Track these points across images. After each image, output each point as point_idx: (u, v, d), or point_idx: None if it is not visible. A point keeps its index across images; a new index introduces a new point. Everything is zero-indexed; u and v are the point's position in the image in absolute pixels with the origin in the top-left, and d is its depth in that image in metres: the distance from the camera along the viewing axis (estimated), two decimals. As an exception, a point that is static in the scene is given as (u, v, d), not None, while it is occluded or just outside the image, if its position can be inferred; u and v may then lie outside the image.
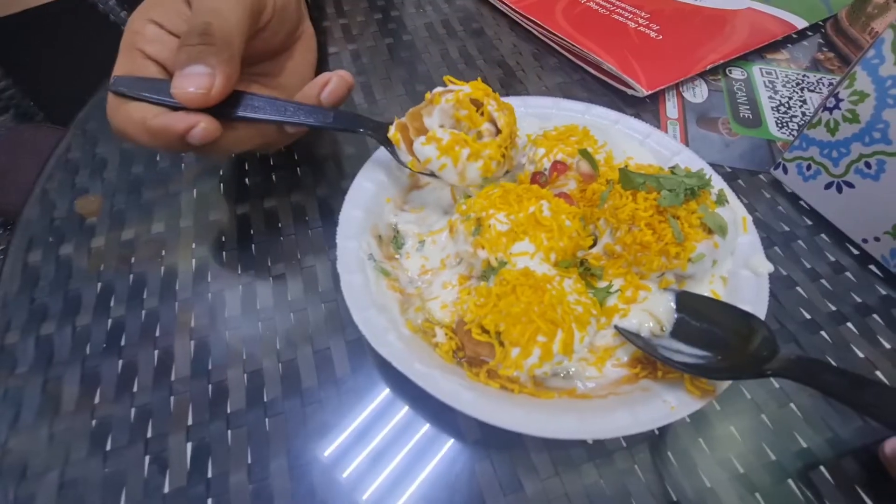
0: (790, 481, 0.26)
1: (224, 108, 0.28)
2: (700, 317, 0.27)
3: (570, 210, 0.29)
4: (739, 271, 0.29)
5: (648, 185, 0.27)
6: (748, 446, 0.27)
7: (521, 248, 0.27)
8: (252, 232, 0.37)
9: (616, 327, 0.27)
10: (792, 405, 0.29)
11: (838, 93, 0.32)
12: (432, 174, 0.31)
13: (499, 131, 0.30)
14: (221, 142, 0.29)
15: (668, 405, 0.23)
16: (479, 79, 0.32)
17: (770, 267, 0.29)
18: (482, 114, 0.30)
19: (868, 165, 0.31)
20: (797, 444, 0.27)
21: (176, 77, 0.26)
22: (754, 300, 0.28)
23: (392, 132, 0.31)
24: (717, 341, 0.25)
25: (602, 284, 0.28)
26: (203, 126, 0.26)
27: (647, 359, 0.26)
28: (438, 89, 0.32)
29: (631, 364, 0.26)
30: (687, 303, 0.27)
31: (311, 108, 0.31)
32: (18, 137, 1.01)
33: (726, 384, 0.24)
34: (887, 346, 0.31)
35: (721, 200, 0.28)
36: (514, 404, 0.24)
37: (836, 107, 0.32)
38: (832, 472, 0.26)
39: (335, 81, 0.31)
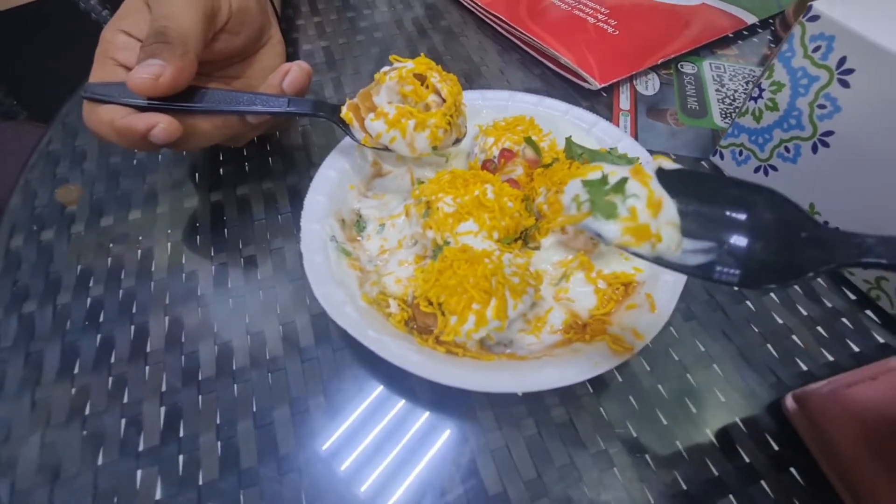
0: (707, 430, 0.29)
1: (185, 104, 0.31)
2: (704, 200, 0.21)
3: (513, 192, 0.31)
4: None
5: (584, 157, 0.29)
6: (673, 402, 0.30)
7: (466, 227, 0.30)
8: (225, 217, 0.39)
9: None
10: (714, 366, 0.32)
11: (761, 83, 0.35)
12: (386, 148, 0.33)
13: (444, 101, 0.32)
14: (188, 138, 0.31)
15: (593, 362, 0.26)
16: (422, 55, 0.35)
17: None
18: (427, 87, 0.32)
19: (787, 150, 0.34)
20: (717, 399, 0.30)
21: (132, 71, 0.28)
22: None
23: (344, 112, 0.34)
24: (738, 229, 0.20)
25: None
26: (162, 126, 0.29)
27: (578, 325, 0.29)
28: (385, 68, 0.34)
29: (564, 330, 0.29)
30: (677, 184, 0.21)
31: (268, 96, 0.33)
32: (1, 135, 1.02)
33: (643, 344, 0.27)
34: (804, 313, 0.34)
35: None
36: (456, 365, 0.26)
37: (760, 96, 0.35)
38: (745, 423, 0.29)
39: (295, 70, 0.33)
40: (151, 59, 0.28)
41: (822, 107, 0.31)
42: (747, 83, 0.51)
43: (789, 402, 0.28)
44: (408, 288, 0.30)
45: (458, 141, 0.35)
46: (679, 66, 0.53)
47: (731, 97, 0.50)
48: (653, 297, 0.28)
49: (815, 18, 0.30)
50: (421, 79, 0.32)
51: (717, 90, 0.51)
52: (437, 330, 0.27)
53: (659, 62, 0.51)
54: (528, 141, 0.33)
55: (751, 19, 0.56)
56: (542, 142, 0.34)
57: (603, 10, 0.56)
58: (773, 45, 0.55)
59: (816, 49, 0.30)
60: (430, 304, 0.27)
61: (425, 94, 0.32)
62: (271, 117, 0.34)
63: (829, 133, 0.31)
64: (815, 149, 0.32)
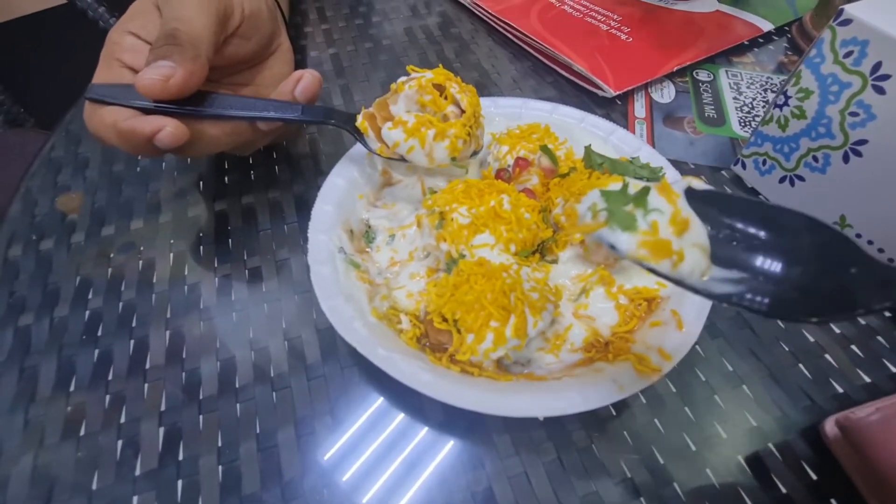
0: (740, 458, 0.27)
1: (195, 108, 0.29)
2: (739, 225, 0.19)
3: (530, 203, 0.30)
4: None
5: (605, 167, 0.28)
6: (701, 426, 0.28)
7: (482, 240, 0.28)
8: (229, 227, 0.38)
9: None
10: (744, 387, 0.30)
11: (787, 90, 0.33)
12: (402, 158, 0.32)
13: (463, 112, 0.31)
14: (194, 143, 0.30)
15: (618, 385, 0.25)
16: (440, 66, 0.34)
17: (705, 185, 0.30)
18: (445, 97, 0.31)
19: (815, 159, 0.33)
20: (748, 423, 0.29)
21: (140, 72, 0.27)
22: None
23: (360, 121, 0.33)
24: (776, 257, 0.19)
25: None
26: (169, 130, 0.27)
27: (599, 343, 0.27)
28: (402, 78, 0.33)
29: (585, 348, 0.28)
30: (709, 207, 0.20)
31: (280, 103, 0.32)
32: (5, 142, 1.02)
33: (671, 365, 0.25)
34: (837, 331, 0.32)
35: None
36: (470, 386, 0.25)
37: (786, 104, 0.34)
38: (780, 449, 0.28)
39: (307, 78, 0.32)
40: (161, 61, 0.27)
41: (854, 114, 0.30)
42: (765, 91, 0.50)
43: (829, 427, 0.26)
44: (420, 303, 0.28)
45: (475, 153, 0.34)
46: (695, 73, 0.52)
47: (749, 105, 0.49)
48: (679, 315, 0.26)
49: (846, 23, 0.29)
50: (439, 89, 0.31)
51: (734, 98, 0.50)
52: (452, 348, 0.25)
53: (674, 70, 0.49)
54: (544, 149, 0.32)
55: (766, 26, 0.55)
56: (558, 150, 0.33)
57: (615, 17, 0.55)
58: (789, 52, 0.54)
59: (848, 54, 0.29)
60: (445, 320, 0.25)
61: (444, 104, 0.31)
62: (282, 125, 0.33)
63: (863, 142, 0.30)
64: (846, 158, 0.31)
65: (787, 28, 0.56)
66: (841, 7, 0.29)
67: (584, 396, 0.23)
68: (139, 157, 0.42)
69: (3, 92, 1.20)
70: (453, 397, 0.24)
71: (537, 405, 0.23)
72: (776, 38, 0.56)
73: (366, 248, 0.33)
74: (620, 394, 0.24)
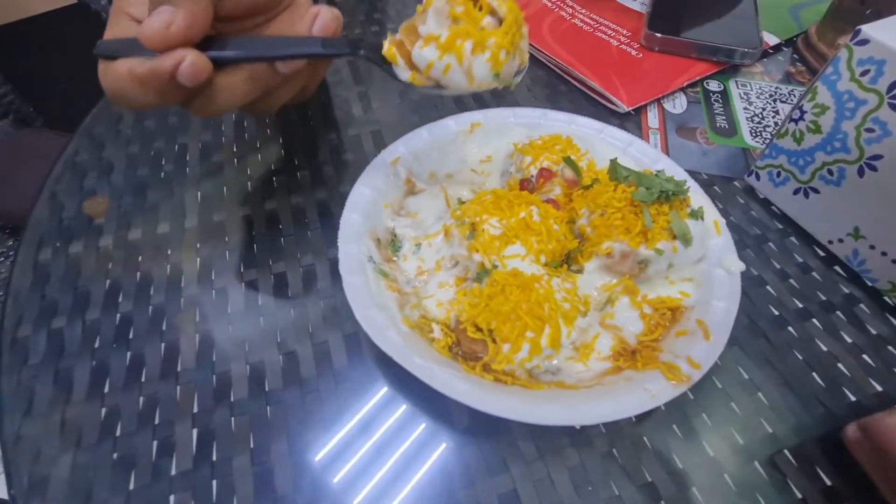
0: (756, 464, 0.28)
1: (206, 53, 0.26)
2: None
3: (558, 215, 0.31)
4: (713, 270, 0.31)
5: (630, 179, 0.29)
6: (718, 432, 0.29)
7: (513, 251, 0.29)
8: (254, 232, 0.38)
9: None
10: (759, 394, 0.31)
11: (802, 105, 0.34)
12: (438, 86, 0.28)
13: (502, 22, 0.28)
14: (213, 95, 0.27)
15: (649, 393, 0.25)
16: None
17: (742, 266, 0.31)
18: (480, 8, 0.28)
19: (830, 172, 0.34)
20: (763, 429, 0.29)
21: (142, 23, 0.25)
22: (727, 296, 0.30)
23: (386, 48, 0.29)
24: None
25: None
26: (190, 60, 0.25)
27: (626, 351, 0.28)
28: None
29: (613, 357, 0.28)
30: None
31: (299, 38, 0.29)
32: (18, 143, 1.02)
33: (701, 373, 0.26)
34: (849, 340, 0.33)
35: (696, 215, 0.30)
36: (506, 394, 0.26)
37: (801, 118, 0.35)
38: (795, 455, 0.28)
39: (325, 14, 0.29)
40: (160, 7, 0.25)
41: (870, 130, 0.31)
42: (774, 101, 0.51)
43: (851, 431, 0.27)
44: (450, 312, 0.29)
45: (520, 72, 0.30)
46: (705, 83, 0.53)
47: (760, 115, 0.50)
48: (705, 324, 0.27)
49: (863, 42, 0.29)
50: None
51: (744, 108, 0.50)
52: (488, 357, 0.26)
53: (685, 84, 0.50)
54: (568, 161, 0.33)
55: (773, 40, 0.56)
56: (580, 161, 0.34)
57: (625, 32, 0.56)
58: (798, 63, 0.55)
59: (865, 73, 0.30)
60: (479, 329, 0.26)
61: (479, 15, 0.27)
62: (305, 69, 0.30)
63: (878, 157, 0.31)
64: (861, 172, 0.32)
65: (793, 40, 0.57)
66: (858, 27, 0.30)
67: (619, 404, 0.24)
68: (163, 161, 0.43)
69: (12, 91, 1.21)
70: (491, 406, 0.24)
71: (575, 414, 0.24)
72: (784, 48, 0.57)
73: (392, 256, 0.33)
74: (653, 402, 0.24)
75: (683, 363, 0.26)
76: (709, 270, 0.30)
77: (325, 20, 0.29)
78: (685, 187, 0.29)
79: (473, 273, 0.30)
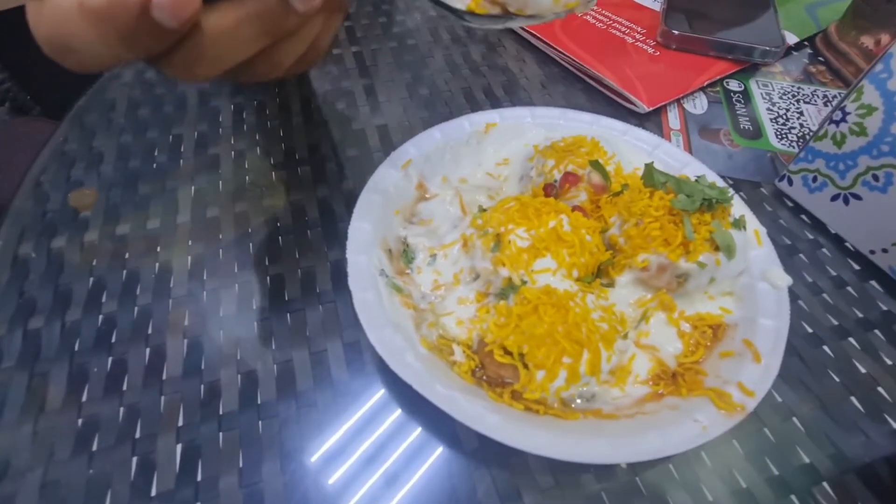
0: (793, 497, 0.26)
1: None
2: None
3: (590, 224, 0.28)
4: (756, 284, 0.29)
5: (669, 186, 0.26)
6: (750, 460, 0.27)
7: (543, 264, 0.26)
8: (250, 230, 0.36)
9: None
10: (794, 419, 0.28)
11: (845, 106, 0.32)
12: (504, 13, 0.23)
13: None
14: (206, 37, 0.19)
15: (700, 425, 0.23)
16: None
17: (788, 280, 0.29)
18: None
19: (876, 178, 0.31)
20: (800, 458, 0.27)
21: None
22: (776, 314, 0.27)
23: None
24: None
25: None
26: None
27: (667, 374, 0.26)
28: None
29: (653, 381, 0.26)
30: None
31: None
32: (13, 131, 1.00)
33: (755, 402, 0.23)
34: (889, 361, 0.31)
35: (739, 224, 0.28)
36: (540, 427, 0.23)
37: (843, 120, 0.32)
38: (835, 488, 0.26)
39: None
40: None
41: (922, 134, 0.28)
42: (797, 101, 0.49)
43: None
44: (472, 331, 0.26)
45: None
46: (725, 83, 0.50)
47: (784, 116, 0.47)
48: (754, 345, 0.24)
49: (919, 38, 0.27)
50: None
51: (768, 109, 0.48)
52: (519, 385, 0.23)
53: (706, 83, 0.48)
54: (595, 165, 0.30)
55: (792, 39, 0.54)
56: (608, 166, 0.31)
57: (640, 29, 0.53)
58: (817, 63, 0.53)
59: (919, 71, 0.27)
60: (507, 353, 0.23)
61: None
62: (320, 20, 0.24)
63: (931, 163, 0.28)
64: (910, 179, 0.29)
65: (812, 38, 0.55)
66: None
67: (667, 438, 0.22)
68: (156, 152, 0.40)
69: (9, 79, 1.18)
70: (529, 444, 0.22)
71: (619, 450, 0.22)
72: (805, 45, 0.55)
73: (405, 269, 0.30)
74: (705, 435, 0.22)
75: (734, 389, 0.23)
76: (751, 284, 0.28)
77: None
78: (729, 195, 0.26)
79: (497, 288, 0.27)
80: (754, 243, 0.30)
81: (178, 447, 0.26)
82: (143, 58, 0.19)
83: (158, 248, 0.35)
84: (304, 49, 0.24)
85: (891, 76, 0.29)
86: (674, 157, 0.33)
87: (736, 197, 0.32)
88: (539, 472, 0.26)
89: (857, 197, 0.32)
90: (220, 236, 0.36)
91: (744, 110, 0.48)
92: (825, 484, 0.26)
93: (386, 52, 0.51)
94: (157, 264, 0.34)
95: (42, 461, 0.26)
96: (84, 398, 0.28)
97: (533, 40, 0.52)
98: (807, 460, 0.27)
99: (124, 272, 0.33)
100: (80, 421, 0.27)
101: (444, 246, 0.30)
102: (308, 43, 0.24)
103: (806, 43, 0.55)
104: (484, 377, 0.25)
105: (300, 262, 0.34)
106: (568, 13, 0.23)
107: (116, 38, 0.18)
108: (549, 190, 0.31)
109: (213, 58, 0.20)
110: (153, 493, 0.25)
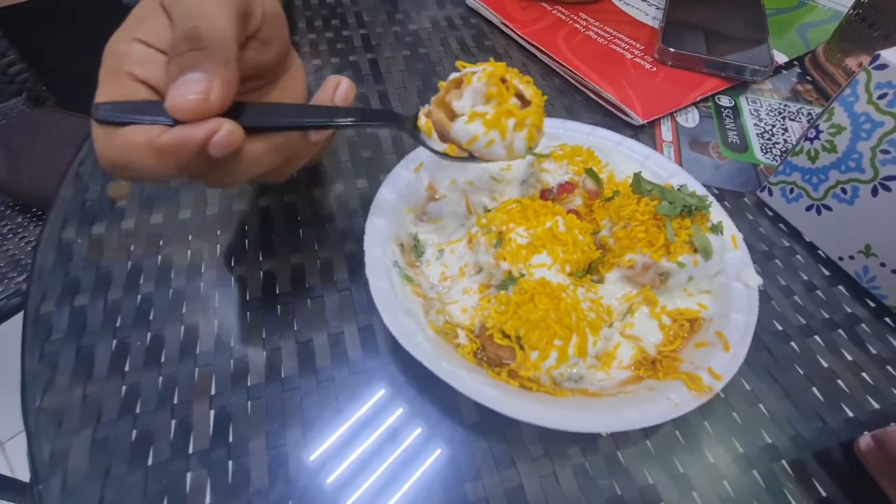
0: (755, 472, 0.29)
1: (239, 121, 0.24)
2: None
3: (582, 225, 0.32)
4: (731, 284, 0.32)
5: (654, 193, 0.30)
6: (720, 439, 0.30)
7: (540, 260, 0.30)
8: (272, 224, 0.39)
9: None
10: (760, 405, 0.32)
11: (818, 125, 0.35)
12: (471, 157, 0.29)
13: (527, 103, 0.29)
14: (240, 161, 0.24)
15: (672, 402, 0.26)
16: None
17: (759, 280, 0.32)
18: (508, 89, 0.29)
19: (844, 191, 0.35)
20: (763, 440, 0.30)
21: (170, 91, 0.22)
22: (746, 310, 0.31)
23: (423, 121, 0.30)
24: None
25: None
26: (227, 129, 0.22)
27: (647, 361, 0.29)
28: (455, 74, 0.31)
29: (634, 366, 0.29)
30: None
31: (332, 108, 0.28)
32: (33, 121, 1.03)
33: (722, 384, 0.27)
34: (849, 358, 0.34)
35: (717, 229, 0.31)
36: (534, 401, 0.26)
37: (817, 137, 0.35)
38: (793, 466, 0.29)
39: (345, 84, 0.29)
40: (191, 73, 0.22)
41: (885, 152, 0.31)
42: (783, 118, 0.52)
43: (864, 442, 0.28)
44: (474, 318, 0.30)
45: (537, 145, 0.31)
46: (716, 98, 0.53)
47: (770, 132, 0.51)
48: (725, 336, 0.28)
49: (882, 67, 0.30)
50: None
51: (755, 124, 0.51)
52: (515, 364, 0.27)
53: (698, 99, 0.51)
54: (590, 172, 0.34)
55: (781, 59, 0.57)
56: (601, 173, 0.34)
57: (639, 45, 0.57)
58: (808, 79, 0.56)
59: (882, 96, 0.31)
60: (506, 336, 0.27)
61: (508, 95, 0.29)
62: (331, 136, 0.30)
63: (892, 178, 0.32)
64: (874, 192, 0.33)
65: (801, 58, 0.58)
66: (878, 52, 0.30)
67: (643, 413, 0.25)
68: (165, 184, 0.43)
69: (27, 70, 1.21)
70: (520, 413, 0.25)
71: (601, 421, 0.25)
72: (795, 65, 0.58)
73: (416, 262, 0.34)
74: (676, 411, 0.25)
75: (705, 374, 0.27)
76: (726, 283, 0.31)
77: (345, 91, 0.28)
78: (707, 202, 0.30)
79: (498, 280, 0.30)
80: (731, 247, 0.33)
81: (212, 413, 0.30)
82: (186, 177, 0.24)
83: (189, 237, 0.38)
84: (310, 159, 0.31)
85: (857, 100, 0.32)
86: (663, 168, 0.37)
87: (715, 204, 0.35)
88: (531, 443, 0.29)
89: (828, 208, 0.36)
90: (246, 227, 0.39)
91: (733, 125, 0.51)
92: (784, 462, 0.29)
93: (399, 60, 0.55)
94: (188, 251, 0.37)
95: (91, 422, 0.29)
96: (127, 368, 0.31)
97: (538, 54, 0.56)
98: (769, 441, 0.30)
99: (159, 258, 0.37)
100: (123, 388, 0.30)
101: (451, 242, 0.33)
102: (318, 150, 0.31)
103: (795, 62, 0.58)
104: (484, 358, 0.29)
105: (319, 252, 0.38)
106: (517, 160, 0.32)
107: (174, 167, 0.23)
108: (547, 194, 0.35)
109: (243, 174, 0.25)
110: (190, 450, 0.28)
